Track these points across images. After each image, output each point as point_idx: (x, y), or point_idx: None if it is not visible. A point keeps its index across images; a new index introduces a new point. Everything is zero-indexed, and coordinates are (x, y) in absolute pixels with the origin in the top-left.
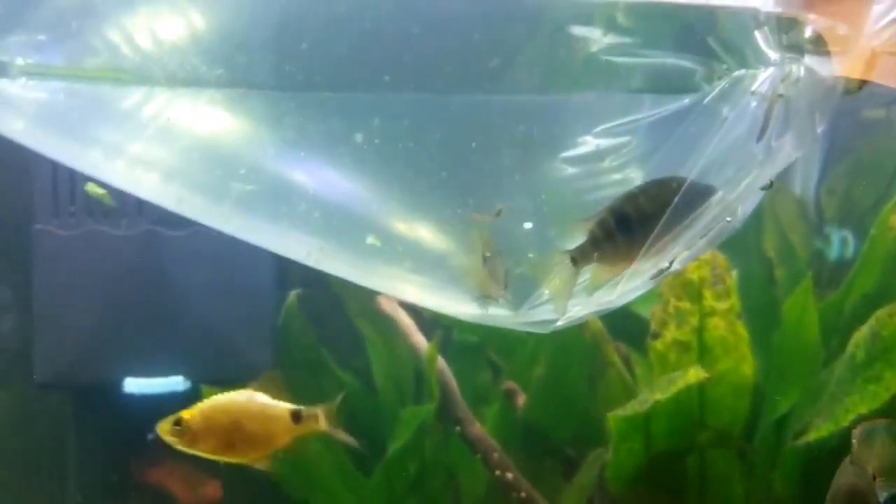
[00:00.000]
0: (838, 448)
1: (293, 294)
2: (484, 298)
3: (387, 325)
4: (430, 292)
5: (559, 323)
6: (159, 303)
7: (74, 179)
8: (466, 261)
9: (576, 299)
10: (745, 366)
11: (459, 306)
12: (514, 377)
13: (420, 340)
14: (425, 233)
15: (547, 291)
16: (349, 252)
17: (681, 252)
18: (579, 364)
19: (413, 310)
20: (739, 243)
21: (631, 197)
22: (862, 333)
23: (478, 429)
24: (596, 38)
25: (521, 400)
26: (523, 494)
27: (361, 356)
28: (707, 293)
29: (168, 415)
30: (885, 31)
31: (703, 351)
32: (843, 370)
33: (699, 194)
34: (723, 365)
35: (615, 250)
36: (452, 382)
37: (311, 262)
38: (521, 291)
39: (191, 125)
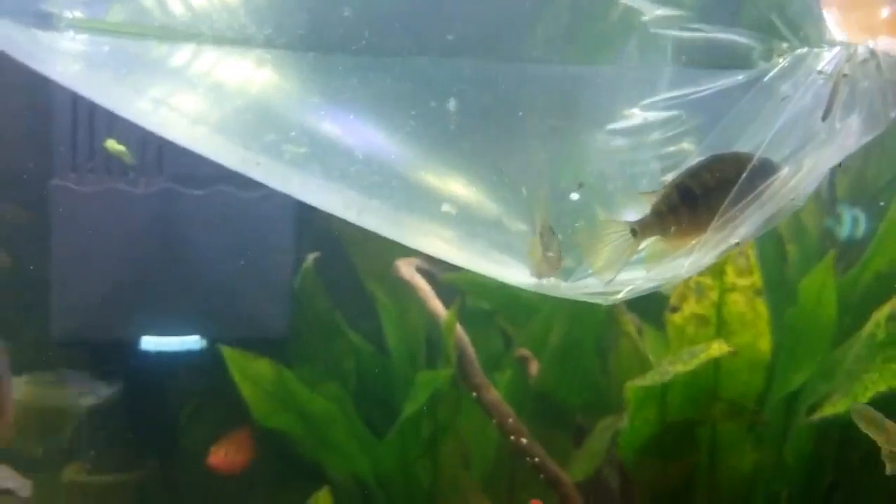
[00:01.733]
0: (849, 423)
1: (311, 257)
2: (539, 271)
3: (399, 290)
4: (485, 259)
5: (622, 294)
6: (177, 262)
7: (93, 135)
8: (522, 233)
9: (635, 272)
10: (762, 341)
11: (514, 274)
12: (527, 345)
13: (438, 306)
14: (476, 198)
15: (598, 261)
16: (405, 215)
17: (745, 229)
18: (593, 334)
19: (429, 275)
20: None
21: (695, 172)
22: (883, 313)
23: (494, 395)
24: (648, 9)
25: (534, 367)
26: (536, 460)
27: (374, 320)
28: (729, 269)
29: (183, 373)
30: None
31: (721, 325)
32: (861, 348)
33: (765, 171)
34: (740, 340)
35: (679, 225)
36: (469, 349)
37: (368, 224)
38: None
39: (241, 85)
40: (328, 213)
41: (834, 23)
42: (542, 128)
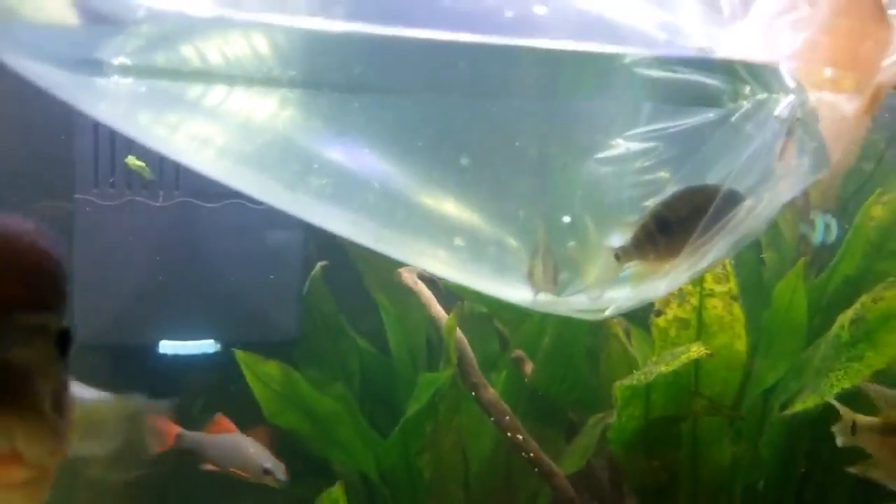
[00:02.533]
0: (820, 418)
1: (319, 266)
2: (537, 288)
3: (401, 295)
4: (486, 279)
5: (608, 312)
6: (193, 270)
7: (115, 152)
8: (521, 254)
9: (619, 291)
10: (739, 343)
11: (511, 291)
12: (521, 347)
13: (439, 311)
14: (479, 224)
15: (586, 280)
16: (414, 240)
17: (714, 254)
18: (583, 336)
19: (431, 282)
20: None
21: (670, 203)
22: (847, 316)
23: (491, 394)
24: (632, 53)
25: (529, 368)
26: (531, 454)
27: (377, 324)
28: (708, 276)
29: (198, 375)
30: (888, 70)
31: (701, 328)
32: (828, 348)
33: (732, 201)
34: (718, 341)
35: (656, 251)
36: (468, 350)
37: (380, 248)
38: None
39: (268, 121)
40: None
41: (789, 74)
42: (537, 157)
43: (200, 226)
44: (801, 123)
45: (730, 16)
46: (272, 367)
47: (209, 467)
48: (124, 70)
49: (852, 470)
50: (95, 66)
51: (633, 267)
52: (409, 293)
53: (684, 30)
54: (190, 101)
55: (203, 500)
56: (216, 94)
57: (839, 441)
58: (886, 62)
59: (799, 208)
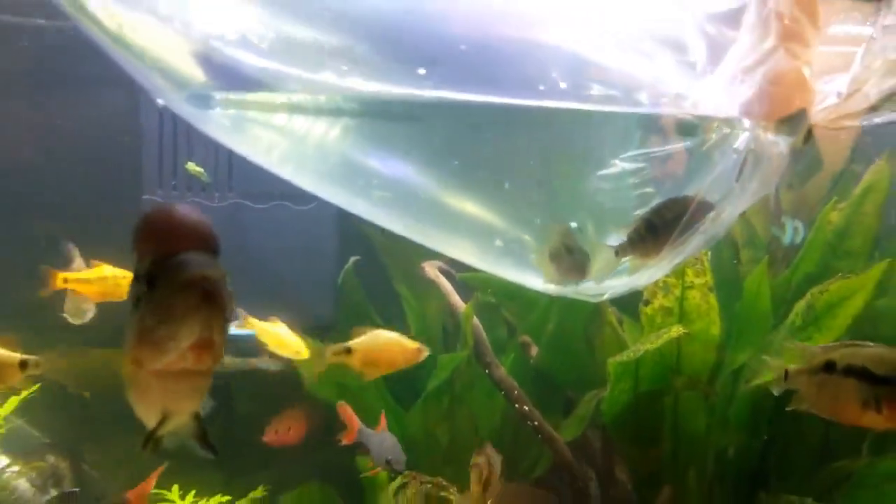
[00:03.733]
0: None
1: (351, 260)
2: (562, 281)
3: (420, 286)
4: (514, 270)
5: (606, 296)
6: (244, 263)
7: (177, 158)
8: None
9: (616, 280)
10: (714, 328)
11: (535, 282)
12: (527, 332)
13: (457, 300)
14: (506, 228)
15: (592, 271)
16: (454, 239)
17: (688, 250)
18: (582, 323)
19: (449, 275)
20: None
21: (657, 210)
22: (800, 305)
23: (502, 371)
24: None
25: (534, 351)
26: (536, 423)
27: (399, 310)
28: (689, 271)
29: (249, 355)
30: (820, 114)
31: (682, 315)
32: (785, 332)
33: (702, 211)
34: (696, 326)
35: (645, 248)
36: (482, 334)
37: (427, 243)
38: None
39: (337, 144)
40: (364, 223)
41: (744, 118)
42: (550, 175)
43: (250, 224)
44: (753, 154)
45: (700, 71)
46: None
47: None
48: (226, 104)
49: (789, 408)
50: (205, 101)
51: (628, 261)
52: (427, 284)
53: (666, 79)
54: (276, 127)
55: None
56: (299, 122)
57: (775, 390)
58: (815, 110)
59: (771, 213)
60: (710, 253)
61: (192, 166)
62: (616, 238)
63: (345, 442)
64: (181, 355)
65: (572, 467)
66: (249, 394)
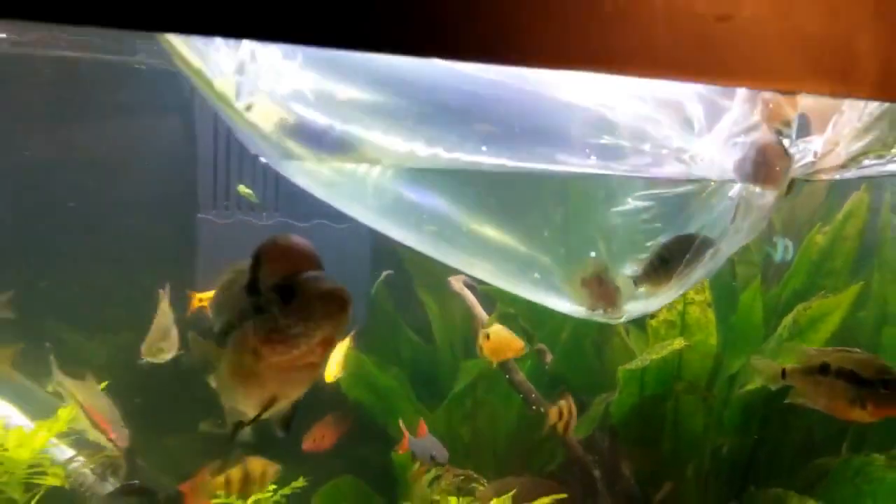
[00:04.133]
0: (769, 397)
1: (384, 274)
2: (594, 307)
3: (444, 297)
4: (545, 295)
5: (623, 318)
6: None
7: (229, 181)
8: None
9: (632, 304)
10: (711, 339)
11: (561, 305)
12: (544, 341)
13: (480, 311)
14: (535, 257)
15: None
16: (495, 270)
17: (692, 279)
18: (593, 333)
19: (472, 288)
20: None
21: (667, 245)
22: (788, 319)
23: (521, 376)
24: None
25: (549, 358)
26: (551, 423)
27: (424, 320)
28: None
29: None
30: (800, 169)
31: (684, 327)
32: (773, 343)
33: (705, 246)
34: (696, 338)
35: (658, 278)
36: None
37: (468, 270)
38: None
39: (397, 189)
40: (395, 242)
41: (735, 174)
42: (575, 211)
43: None
44: (744, 201)
45: (699, 131)
46: (350, 354)
47: None
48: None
49: (787, 401)
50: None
51: (644, 288)
52: (451, 296)
53: (670, 137)
54: (340, 169)
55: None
56: (361, 168)
57: (773, 385)
58: (796, 167)
59: (764, 234)
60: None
61: (242, 188)
62: (630, 268)
63: (400, 452)
64: (311, 350)
65: (583, 463)
66: None
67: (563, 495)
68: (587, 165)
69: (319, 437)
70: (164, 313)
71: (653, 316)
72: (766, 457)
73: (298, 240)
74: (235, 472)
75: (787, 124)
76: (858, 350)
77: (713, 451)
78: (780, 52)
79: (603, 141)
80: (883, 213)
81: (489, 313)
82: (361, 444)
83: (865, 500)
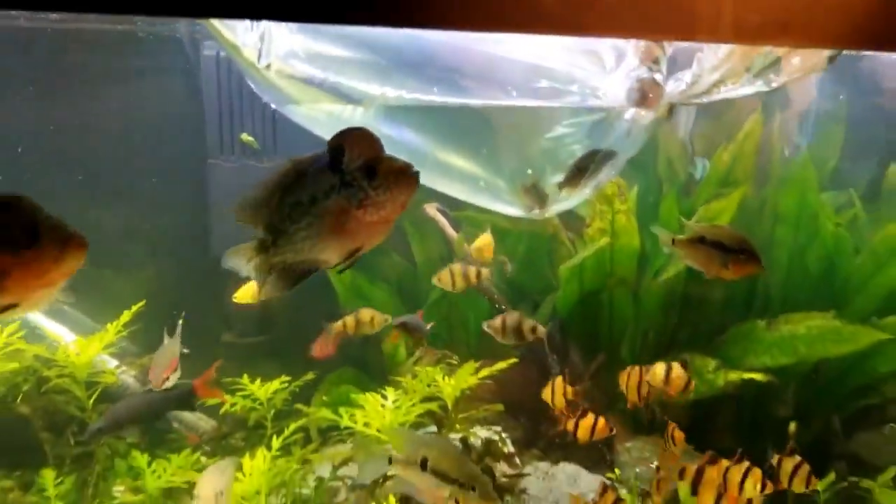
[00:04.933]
0: (688, 280)
1: None
2: (530, 209)
3: (423, 225)
4: (490, 199)
5: (549, 214)
6: None
7: (233, 129)
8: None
9: (558, 204)
10: (635, 241)
11: (507, 209)
12: (505, 254)
13: (451, 232)
14: (485, 174)
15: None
16: (455, 184)
17: (595, 183)
18: (545, 245)
19: (444, 213)
20: (642, 167)
21: (581, 158)
22: (693, 218)
23: (487, 284)
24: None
25: (509, 268)
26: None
27: (405, 244)
28: (616, 201)
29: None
30: (676, 95)
31: (613, 233)
32: None
33: (607, 158)
34: (623, 241)
35: (576, 183)
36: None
37: (440, 189)
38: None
39: (376, 125)
40: None
41: (628, 102)
42: (517, 139)
43: None
44: (635, 122)
45: (609, 71)
46: (345, 274)
47: None
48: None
49: (673, 252)
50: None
51: (565, 191)
52: (429, 222)
53: (586, 75)
54: (330, 112)
55: None
56: (347, 110)
57: (666, 249)
58: (673, 93)
59: (688, 155)
60: (637, 187)
61: (245, 137)
62: (558, 178)
63: (392, 341)
64: (393, 211)
65: (538, 350)
66: (290, 305)
67: (515, 360)
68: (520, 102)
69: (324, 345)
70: (174, 343)
71: (588, 225)
72: (687, 336)
73: (368, 131)
74: (349, 319)
75: (657, 62)
76: (726, 227)
77: (641, 335)
78: (647, 8)
79: (540, 84)
80: (773, 133)
81: (458, 232)
82: (359, 345)
83: (749, 355)
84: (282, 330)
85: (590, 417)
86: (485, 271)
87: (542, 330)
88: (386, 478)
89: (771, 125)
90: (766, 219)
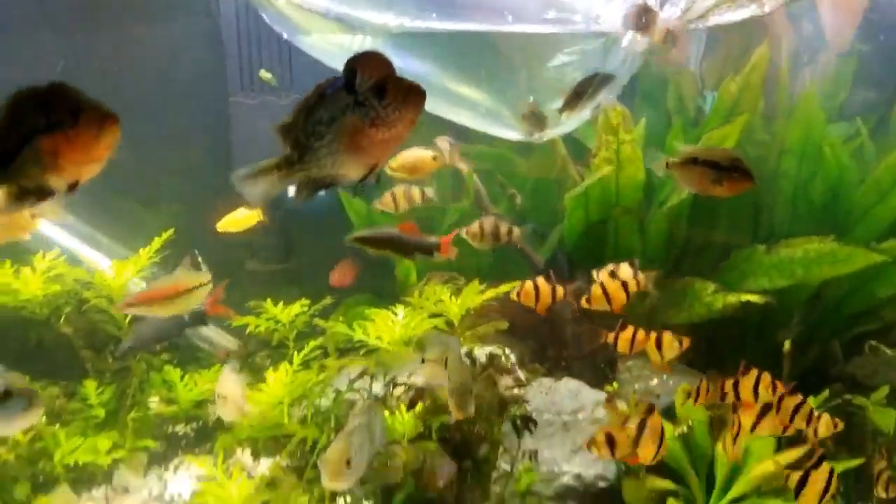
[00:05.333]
0: (683, 209)
1: None
2: (530, 133)
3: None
4: (491, 124)
5: (545, 137)
6: None
7: (252, 66)
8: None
9: (558, 128)
10: (640, 172)
11: (508, 133)
12: (514, 188)
13: (462, 165)
14: (489, 101)
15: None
16: (461, 106)
17: (593, 104)
18: (553, 178)
19: (454, 146)
20: (653, 100)
21: (580, 82)
22: (701, 143)
23: (496, 213)
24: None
25: (518, 200)
26: (519, 246)
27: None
28: (621, 130)
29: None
30: (671, 21)
31: (619, 163)
32: None
33: (604, 81)
34: (629, 171)
35: (574, 105)
36: (481, 188)
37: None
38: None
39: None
40: None
41: (624, 27)
42: (521, 67)
43: None
44: (631, 48)
45: None
46: (359, 205)
47: None
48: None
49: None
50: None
51: (566, 116)
52: (439, 153)
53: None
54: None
55: None
56: (356, 40)
57: (659, 172)
58: (669, 19)
59: (698, 88)
60: (646, 120)
61: (263, 73)
62: (558, 103)
63: None
64: (404, 128)
65: (546, 276)
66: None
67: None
68: (525, 27)
69: (342, 274)
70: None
71: (595, 155)
72: (689, 264)
73: (380, 54)
74: (399, 191)
75: None
76: (719, 148)
77: (647, 262)
78: None
79: (546, 14)
80: (781, 64)
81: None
82: (374, 272)
83: (748, 279)
84: (303, 258)
85: (629, 329)
86: (516, 230)
87: (517, 232)
88: (395, 384)
89: (779, 58)
90: (774, 150)
